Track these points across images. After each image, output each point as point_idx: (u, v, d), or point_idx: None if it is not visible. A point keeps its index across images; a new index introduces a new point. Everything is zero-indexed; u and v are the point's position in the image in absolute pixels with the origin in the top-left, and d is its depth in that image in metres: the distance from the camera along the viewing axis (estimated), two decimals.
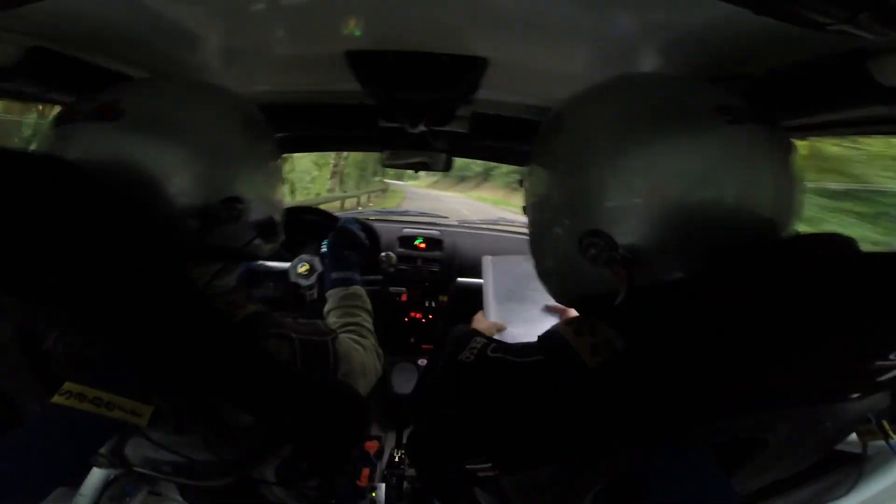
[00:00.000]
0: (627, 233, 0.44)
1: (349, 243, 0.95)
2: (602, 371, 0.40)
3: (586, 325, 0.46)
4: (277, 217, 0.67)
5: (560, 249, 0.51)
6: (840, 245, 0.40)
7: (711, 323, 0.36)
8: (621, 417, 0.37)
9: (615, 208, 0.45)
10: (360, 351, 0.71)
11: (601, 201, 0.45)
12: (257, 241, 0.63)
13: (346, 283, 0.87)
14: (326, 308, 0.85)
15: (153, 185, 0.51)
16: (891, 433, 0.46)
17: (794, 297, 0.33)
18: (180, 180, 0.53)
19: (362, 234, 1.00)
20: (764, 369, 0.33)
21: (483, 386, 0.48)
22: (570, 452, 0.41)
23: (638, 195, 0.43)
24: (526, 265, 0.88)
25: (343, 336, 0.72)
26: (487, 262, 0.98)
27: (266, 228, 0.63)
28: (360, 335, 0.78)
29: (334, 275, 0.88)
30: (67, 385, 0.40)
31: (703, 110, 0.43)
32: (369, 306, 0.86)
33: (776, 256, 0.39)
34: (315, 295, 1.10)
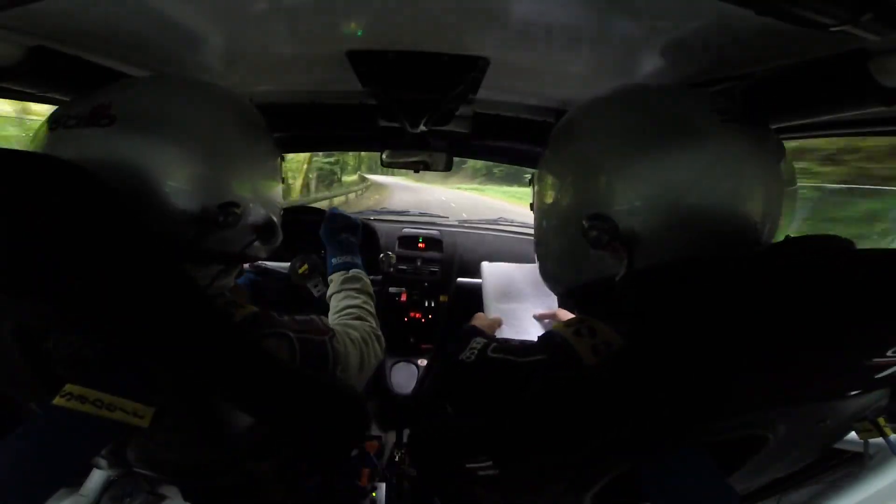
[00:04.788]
0: (629, 220, 0.47)
1: (342, 226, 0.95)
2: (599, 369, 0.41)
3: (585, 327, 0.46)
4: (276, 217, 0.66)
5: (565, 237, 0.54)
6: (838, 246, 0.40)
7: (709, 320, 0.36)
8: (618, 415, 0.38)
9: (621, 204, 0.47)
10: (358, 341, 0.71)
11: (609, 198, 0.48)
12: (256, 244, 0.62)
13: (347, 266, 0.88)
14: (329, 292, 0.86)
15: (147, 189, 0.49)
16: (887, 430, 0.47)
17: (791, 296, 0.33)
18: (175, 185, 0.51)
19: (351, 216, 1.00)
20: (761, 368, 0.33)
21: (484, 385, 0.49)
22: (571, 451, 0.41)
23: (642, 194, 0.46)
24: (519, 271, 1.10)
25: (342, 324, 0.73)
26: (485, 267, 1.12)
27: (265, 230, 0.62)
28: (361, 318, 0.78)
29: (334, 260, 0.89)
30: (68, 387, 0.40)
31: (702, 114, 0.47)
32: (370, 289, 0.87)
33: (772, 256, 0.39)
34: (321, 291, 1.11)
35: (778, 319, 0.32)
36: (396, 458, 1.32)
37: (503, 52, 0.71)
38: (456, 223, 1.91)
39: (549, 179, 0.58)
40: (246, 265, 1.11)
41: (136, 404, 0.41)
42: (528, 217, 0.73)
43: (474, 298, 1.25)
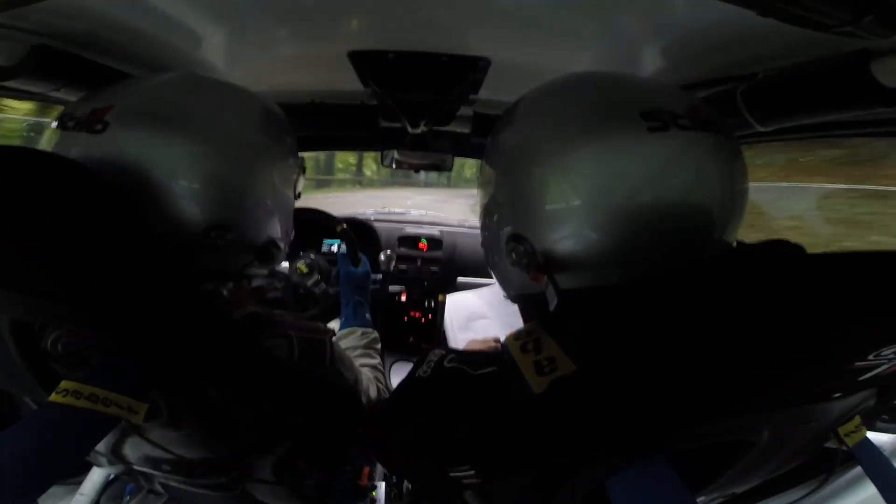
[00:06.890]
0: (546, 238, 0.45)
1: (357, 285, 1.01)
2: (550, 397, 0.38)
3: (533, 340, 0.44)
4: (280, 239, 0.63)
5: (497, 248, 0.52)
6: (788, 251, 0.39)
7: (668, 336, 0.34)
8: (572, 440, 0.37)
9: (538, 212, 0.45)
10: (366, 374, 0.73)
11: (526, 204, 0.46)
12: (255, 265, 0.60)
13: (367, 324, 0.94)
14: (347, 343, 0.89)
15: (137, 201, 0.48)
16: (862, 432, 0.46)
17: (764, 303, 0.32)
18: (161, 202, 0.49)
19: (370, 278, 1.07)
20: (733, 376, 0.32)
21: (440, 397, 0.48)
22: (537, 464, 0.40)
23: (558, 200, 0.43)
24: (479, 295, 1.15)
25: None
26: (449, 299, 1.17)
27: (263, 253, 0.60)
28: (377, 379, 0.82)
29: (348, 314, 0.95)
30: (64, 384, 0.40)
31: (627, 117, 0.41)
32: (379, 344, 0.93)
33: (734, 263, 0.38)
34: (322, 288, 1.12)
35: (755, 328, 0.32)
36: None
37: (503, 52, 0.71)
38: (456, 223, 1.92)
39: (486, 182, 0.54)
40: None
41: (131, 400, 0.41)
42: None
43: None
